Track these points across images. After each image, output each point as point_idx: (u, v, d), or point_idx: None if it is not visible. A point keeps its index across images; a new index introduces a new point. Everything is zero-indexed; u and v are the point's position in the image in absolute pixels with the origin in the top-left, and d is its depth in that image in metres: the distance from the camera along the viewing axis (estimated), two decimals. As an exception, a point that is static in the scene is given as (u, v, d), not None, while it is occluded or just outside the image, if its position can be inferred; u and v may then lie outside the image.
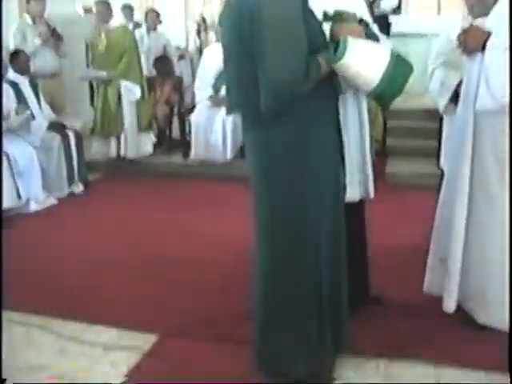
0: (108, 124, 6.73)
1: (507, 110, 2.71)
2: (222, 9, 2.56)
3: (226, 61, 2.48)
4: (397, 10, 9.08)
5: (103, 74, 6.69)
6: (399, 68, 2.42)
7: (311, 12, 2.37)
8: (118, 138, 6.78)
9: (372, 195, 2.96)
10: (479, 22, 2.94)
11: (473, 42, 2.79)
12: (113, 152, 6.85)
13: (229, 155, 6.45)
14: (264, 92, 2.22)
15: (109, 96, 6.69)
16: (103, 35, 6.68)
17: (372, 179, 2.97)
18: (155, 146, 7.14)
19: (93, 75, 6.90)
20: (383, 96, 2.40)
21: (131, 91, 6.72)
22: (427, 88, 3.42)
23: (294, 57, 2.22)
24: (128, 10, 8.50)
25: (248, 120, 2.44)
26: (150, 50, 7.88)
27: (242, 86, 2.36)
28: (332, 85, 2.42)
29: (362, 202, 2.99)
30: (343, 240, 2.51)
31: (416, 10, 9.90)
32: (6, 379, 2.07)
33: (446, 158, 3.40)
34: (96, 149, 6.88)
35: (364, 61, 2.32)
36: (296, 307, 2.45)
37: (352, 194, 2.73)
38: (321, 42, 2.35)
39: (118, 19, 8.21)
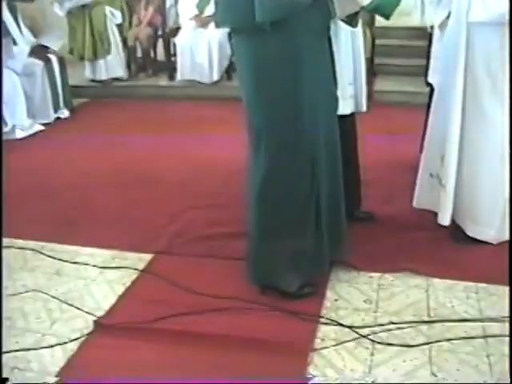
0: (95, 47, 6.71)
1: (504, 19, 2.64)
2: None
3: None
4: None
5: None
6: None
7: None
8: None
9: (364, 109, 2.97)
10: None
11: None
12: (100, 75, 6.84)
13: (215, 76, 6.37)
14: (265, 2, 2.16)
15: (95, 21, 6.68)
16: None
17: (365, 93, 2.97)
18: (140, 68, 7.04)
19: (78, 3, 6.74)
20: (382, 7, 2.33)
21: (114, 15, 6.81)
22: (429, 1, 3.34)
23: None
24: None
25: (240, 32, 2.37)
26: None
27: None
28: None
29: (353, 118, 2.99)
30: (338, 151, 2.51)
31: None
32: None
33: (436, 73, 3.35)
34: (87, 73, 6.90)
35: None
36: (293, 218, 2.46)
37: (343, 107, 2.73)
38: None
39: None
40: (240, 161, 2.75)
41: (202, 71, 6.37)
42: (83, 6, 6.68)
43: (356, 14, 2.57)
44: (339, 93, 2.59)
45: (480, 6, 2.66)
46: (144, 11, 7.10)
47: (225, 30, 6.09)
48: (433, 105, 3.06)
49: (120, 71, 6.95)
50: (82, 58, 6.84)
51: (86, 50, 6.73)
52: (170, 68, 6.76)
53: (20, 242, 3.23)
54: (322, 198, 2.46)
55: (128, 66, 7.09)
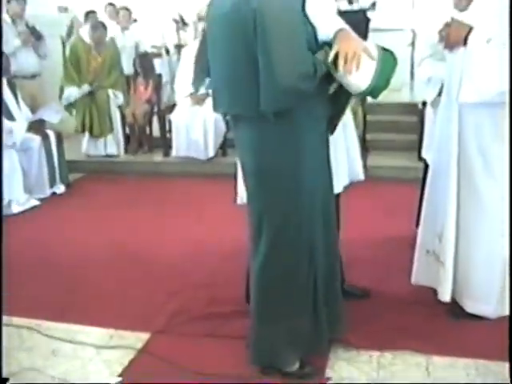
0: (101, 125, 6.94)
1: (494, 99, 2.74)
2: (209, 7, 2.52)
3: (214, 59, 2.47)
4: (371, 6, 9.16)
5: (88, 88, 6.96)
6: (385, 62, 2.46)
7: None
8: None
9: (362, 177, 3.06)
10: (459, 16, 2.99)
11: (455, 37, 2.82)
12: (100, 151, 7.04)
13: (210, 152, 6.47)
14: (270, 91, 2.23)
15: (99, 101, 6.95)
16: (96, 53, 7.01)
17: (360, 163, 3.06)
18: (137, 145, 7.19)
19: (83, 91, 6.99)
20: (372, 92, 2.44)
21: (117, 96, 7.08)
22: (419, 78, 3.47)
23: (302, 56, 2.25)
24: (111, 7, 8.51)
25: (242, 118, 2.44)
26: (125, 48, 7.87)
27: (237, 85, 2.35)
28: (324, 82, 2.45)
29: (337, 195, 3.06)
30: (335, 230, 2.57)
31: (390, 5, 9.99)
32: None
33: (429, 151, 3.45)
34: (87, 148, 7.06)
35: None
36: (291, 299, 2.49)
37: (337, 185, 2.81)
38: (314, 42, 2.36)
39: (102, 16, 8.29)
40: (237, 239, 2.79)
41: (197, 148, 6.48)
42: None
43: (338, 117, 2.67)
44: (333, 171, 2.66)
45: (469, 87, 2.76)
46: (143, 89, 7.27)
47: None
48: (428, 182, 3.14)
49: (118, 148, 7.09)
50: (84, 131, 7.01)
51: (92, 128, 6.95)
52: (165, 144, 6.86)
53: (15, 320, 3.20)
54: (319, 278, 2.50)
55: (125, 143, 7.20)
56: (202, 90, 6.42)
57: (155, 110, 7.32)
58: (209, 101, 6.47)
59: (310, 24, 2.36)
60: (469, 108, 2.83)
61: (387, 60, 2.44)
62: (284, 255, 2.45)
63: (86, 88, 6.94)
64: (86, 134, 7.00)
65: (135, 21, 8.53)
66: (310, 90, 2.27)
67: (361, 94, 2.47)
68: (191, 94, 6.59)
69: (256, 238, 2.49)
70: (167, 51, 9.42)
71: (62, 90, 7.07)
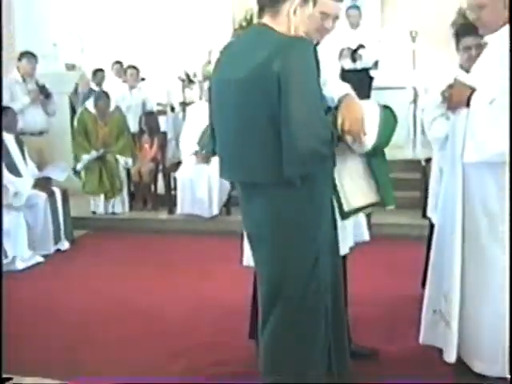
0: (112, 187, 7.07)
1: (498, 159, 2.79)
2: (216, 71, 2.58)
3: (223, 124, 2.51)
4: (374, 65, 9.40)
5: (97, 153, 7.13)
6: (386, 121, 2.56)
7: None
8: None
9: (367, 237, 3.12)
10: (462, 77, 3.09)
11: (457, 99, 2.91)
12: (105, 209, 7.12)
13: (215, 210, 6.53)
14: (295, 156, 2.28)
15: (108, 165, 7.10)
16: (102, 122, 7.24)
17: (365, 223, 3.11)
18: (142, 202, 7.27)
19: (92, 157, 7.15)
20: (374, 150, 2.51)
21: (126, 162, 7.28)
22: (431, 138, 3.55)
23: (322, 121, 2.33)
24: (118, 66, 8.71)
25: (256, 186, 2.45)
26: (131, 107, 8.06)
27: (254, 152, 2.37)
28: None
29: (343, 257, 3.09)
30: (342, 293, 2.61)
31: (392, 65, 10.25)
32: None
33: (434, 210, 3.49)
34: (93, 207, 7.14)
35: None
36: (307, 368, 2.48)
37: (344, 246, 2.84)
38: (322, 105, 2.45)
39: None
40: (241, 297, 2.79)
41: (201, 205, 6.54)
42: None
43: None
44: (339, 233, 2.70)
45: (473, 147, 2.82)
46: (148, 147, 7.39)
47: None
48: (433, 243, 3.18)
49: (123, 205, 7.16)
50: (94, 193, 7.11)
51: (101, 189, 7.06)
52: (170, 202, 6.93)
53: (18, 379, 3.18)
54: (331, 342, 2.52)
55: (130, 200, 7.27)
56: (208, 149, 6.62)
57: (160, 167, 7.42)
58: (214, 159, 6.57)
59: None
60: (473, 168, 2.89)
61: (388, 119, 2.54)
62: (301, 324, 2.45)
63: (94, 154, 7.10)
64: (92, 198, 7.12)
65: (143, 79, 8.71)
66: (329, 154, 2.36)
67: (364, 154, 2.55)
68: (196, 152, 6.72)
69: (268, 305, 2.49)
70: (172, 108, 9.61)
71: (76, 159, 7.21)
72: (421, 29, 10.39)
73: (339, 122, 2.42)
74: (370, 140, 2.49)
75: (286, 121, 2.26)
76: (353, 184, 2.65)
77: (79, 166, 7.13)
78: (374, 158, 2.66)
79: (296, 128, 2.25)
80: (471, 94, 2.86)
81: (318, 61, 2.36)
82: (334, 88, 2.56)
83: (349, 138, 2.49)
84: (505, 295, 2.86)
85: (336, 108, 2.50)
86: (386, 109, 2.64)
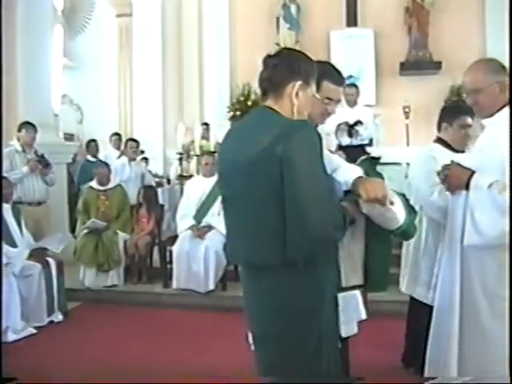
0: (108, 260, 7.13)
1: (498, 242, 2.88)
2: (221, 151, 2.67)
3: (229, 205, 2.58)
4: (369, 142, 9.63)
5: (103, 224, 7.30)
6: (408, 208, 2.68)
7: None
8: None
9: (364, 316, 3.22)
10: (458, 157, 3.22)
11: (456, 182, 3.04)
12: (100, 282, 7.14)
13: (211, 285, 6.59)
14: (300, 239, 2.32)
15: (106, 239, 7.19)
16: (104, 197, 7.45)
17: (361, 301, 3.21)
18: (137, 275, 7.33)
19: (97, 226, 7.29)
20: (406, 233, 2.62)
21: (125, 237, 7.41)
22: (437, 204, 3.62)
23: (333, 206, 2.41)
24: (117, 138, 8.92)
25: (261, 267, 2.47)
26: (130, 179, 8.25)
27: (258, 233, 2.41)
28: None
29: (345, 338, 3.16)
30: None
31: (387, 142, 10.52)
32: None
33: (434, 292, 3.54)
34: (88, 281, 7.14)
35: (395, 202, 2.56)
36: None
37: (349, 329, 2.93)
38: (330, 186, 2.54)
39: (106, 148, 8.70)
40: (234, 372, 2.80)
41: (197, 280, 6.60)
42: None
43: None
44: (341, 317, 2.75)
45: (473, 231, 2.92)
46: (145, 221, 7.54)
47: (220, 239, 6.47)
48: (432, 325, 3.24)
49: (118, 278, 7.21)
50: (86, 263, 7.13)
51: (94, 260, 7.11)
52: (165, 276, 7.00)
53: None
54: None
55: (125, 273, 7.33)
56: (204, 223, 6.77)
57: (156, 240, 7.52)
58: (210, 234, 6.72)
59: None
60: (472, 250, 2.98)
61: (408, 206, 2.67)
62: None
63: (98, 222, 7.24)
64: (84, 267, 7.14)
65: (142, 152, 8.92)
66: (341, 238, 2.44)
67: (398, 230, 2.60)
68: (193, 227, 6.85)
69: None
70: (168, 181, 9.81)
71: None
72: (414, 105, 10.79)
73: (363, 194, 2.47)
74: (401, 213, 2.57)
75: (293, 203, 2.30)
76: (353, 263, 2.70)
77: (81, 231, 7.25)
78: (377, 241, 2.70)
79: (307, 210, 2.29)
80: (470, 176, 2.98)
81: (321, 143, 2.43)
82: (346, 172, 2.64)
83: (376, 213, 2.54)
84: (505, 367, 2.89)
85: (350, 191, 2.57)
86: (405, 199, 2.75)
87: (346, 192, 2.61)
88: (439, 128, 4.10)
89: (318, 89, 2.71)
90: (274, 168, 2.32)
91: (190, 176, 8.43)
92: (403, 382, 2.75)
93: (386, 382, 2.70)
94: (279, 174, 2.31)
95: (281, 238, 2.34)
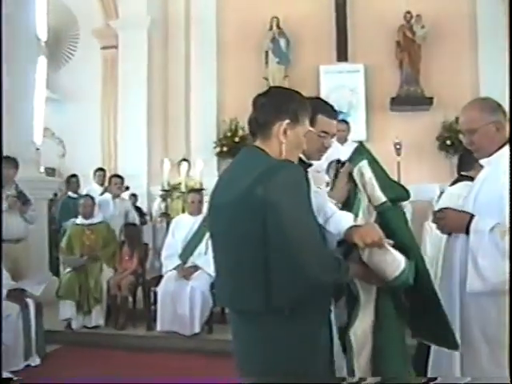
0: (89, 298, 7.09)
1: (501, 288, 2.87)
2: (212, 194, 2.65)
3: (216, 248, 2.59)
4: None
5: (84, 259, 7.26)
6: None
7: None
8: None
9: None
10: (455, 191, 3.26)
11: (454, 225, 3.06)
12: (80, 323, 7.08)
13: (196, 328, 6.54)
14: (285, 285, 2.30)
15: (91, 275, 7.17)
16: (89, 232, 7.43)
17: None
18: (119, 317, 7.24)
19: (79, 263, 7.27)
20: (408, 278, 2.59)
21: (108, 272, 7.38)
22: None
23: (318, 247, 2.38)
24: (101, 173, 8.93)
25: (245, 315, 2.47)
26: (114, 217, 8.21)
27: (242, 277, 2.41)
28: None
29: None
30: None
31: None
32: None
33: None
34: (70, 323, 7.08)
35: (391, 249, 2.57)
36: None
37: None
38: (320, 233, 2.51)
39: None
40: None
41: (182, 322, 6.54)
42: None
43: None
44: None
45: (476, 277, 2.92)
46: (128, 260, 7.50)
47: (206, 279, 6.47)
48: (429, 370, 3.25)
49: (100, 320, 7.14)
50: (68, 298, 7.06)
51: (76, 297, 7.05)
52: (149, 318, 6.94)
53: None
54: None
55: (107, 314, 7.26)
56: (190, 263, 6.75)
57: (140, 280, 7.46)
58: (196, 274, 6.69)
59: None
60: (472, 296, 2.97)
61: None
62: None
63: (81, 260, 7.22)
64: (67, 304, 7.05)
65: (127, 188, 8.92)
66: (330, 281, 2.40)
67: (403, 275, 2.58)
68: (178, 267, 6.83)
69: None
70: (151, 218, 9.80)
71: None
72: (406, 142, 10.90)
73: (359, 242, 2.49)
74: (398, 255, 2.56)
75: (277, 247, 2.30)
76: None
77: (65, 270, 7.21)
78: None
79: (291, 254, 2.27)
80: (470, 220, 2.98)
81: (309, 185, 2.46)
82: (338, 221, 2.64)
83: (377, 259, 2.54)
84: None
85: (343, 241, 2.59)
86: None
87: (340, 242, 2.61)
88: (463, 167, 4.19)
89: (313, 123, 2.75)
90: (255, 210, 2.34)
91: (167, 214, 8.45)
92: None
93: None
94: (260, 217, 2.32)
95: (265, 283, 2.33)
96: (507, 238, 2.86)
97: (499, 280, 2.87)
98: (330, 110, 2.97)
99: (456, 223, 3.04)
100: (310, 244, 2.34)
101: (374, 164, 2.91)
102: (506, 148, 3.10)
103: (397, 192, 2.88)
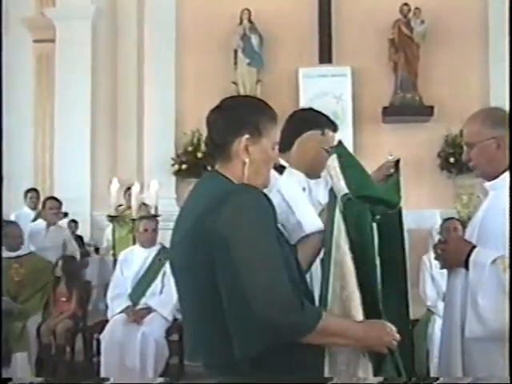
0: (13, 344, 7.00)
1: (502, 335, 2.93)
2: (175, 224, 2.68)
3: (179, 293, 2.65)
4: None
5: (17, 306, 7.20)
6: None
7: (282, 234, 2.65)
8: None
9: None
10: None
11: (454, 258, 3.14)
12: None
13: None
14: (244, 332, 2.32)
15: (16, 323, 7.08)
16: (17, 265, 7.39)
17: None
18: (52, 369, 7.21)
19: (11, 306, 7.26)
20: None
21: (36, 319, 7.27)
22: None
23: (281, 286, 2.34)
24: (34, 194, 8.88)
25: (213, 367, 2.53)
26: (46, 248, 8.13)
27: (200, 327, 2.49)
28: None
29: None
30: None
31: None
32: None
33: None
34: None
35: None
36: None
37: None
38: (296, 272, 2.55)
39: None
40: None
41: (131, 376, 6.51)
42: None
43: None
44: None
45: (475, 319, 3.00)
46: (65, 301, 7.49)
47: (161, 324, 6.49)
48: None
49: (29, 372, 7.09)
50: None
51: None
52: (90, 371, 6.92)
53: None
54: None
55: (37, 366, 7.24)
56: (142, 305, 6.76)
57: (80, 326, 7.45)
58: (149, 317, 6.71)
59: (287, 242, 2.67)
60: (475, 342, 3.05)
61: None
62: None
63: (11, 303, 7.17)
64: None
65: (65, 214, 8.86)
66: (288, 324, 2.32)
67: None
68: (127, 309, 6.84)
69: None
70: (96, 250, 9.75)
71: None
72: (401, 159, 11.00)
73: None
74: None
75: (228, 292, 2.33)
76: None
77: None
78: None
79: (245, 299, 2.29)
80: (470, 251, 3.05)
81: (274, 211, 2.45)
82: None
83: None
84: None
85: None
86: None
87: None
88: None
89: (324, 139, 3.09)
90: (203, 247, 2.38)
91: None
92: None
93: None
94: (209, 255, 2.36)
95: (225, 333, 2.35)
96: (507, 274, 2.93)
97: (500, 325, 2.93)
98: (332, 122, 3.33)
99: (456, 255, 3.12)
100: (266, 283, 2.32)
101: (350, 159, 3.01)
102: (506, 175, 3.17)
103: (368, 190, 2.93)
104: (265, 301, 2.29)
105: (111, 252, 8.65)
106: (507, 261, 2.96)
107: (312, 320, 2.37)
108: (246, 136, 2.54)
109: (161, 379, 6.42)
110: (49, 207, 8.54)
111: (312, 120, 3.66)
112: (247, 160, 2.54)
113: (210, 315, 2.42)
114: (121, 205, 9.03)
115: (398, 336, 2.55)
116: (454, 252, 3.14)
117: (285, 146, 3.39)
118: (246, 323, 2.32)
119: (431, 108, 11.55)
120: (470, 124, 3.31)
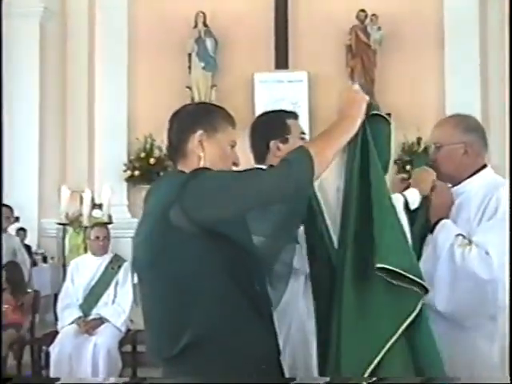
0: None
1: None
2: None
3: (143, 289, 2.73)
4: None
5: None
6: None
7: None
8: None
9: None
10: None
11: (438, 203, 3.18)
12: None
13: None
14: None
15: None
16: None
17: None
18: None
19: None
20: None
21: None
22: None
23: (264, 177, 2.56)
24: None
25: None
26: (-4, 257, 8.02)
27: (170, 320, 2.57)
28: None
29: None
30: None
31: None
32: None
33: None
34: None
35: None
36: None
37: None
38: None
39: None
40: None
41: None
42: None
43: None
44: None
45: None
46: (10, 311, 7.34)
47: (114, 335, 6.45)
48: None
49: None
50: None
51: None
52: (38, 384, 6.83)
53: None
54: None
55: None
56: (94, 315, 6.70)
57: (27, 338, 7.35)
58: (101, 328, 6.66)
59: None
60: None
61: None
62: None
63: None
64: None
65: (17, 219, 8.71)
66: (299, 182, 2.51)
67: None
68: (79, 319, 6.79)
69: None
70: (44, 258, 9.66)
71: None
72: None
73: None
74: None
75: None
76: None
77: None
78: None
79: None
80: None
81: None
82: None
83: None
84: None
85: None
86: None
87: None
88: None
89: (289, 130, 3.25)
90: (173, 237, 2.49)
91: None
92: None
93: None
94: (182, 242, 2.48)
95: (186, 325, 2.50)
96: (469, 255, 2.98)
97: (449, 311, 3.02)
98: (293, 113, 3.55)
99: (441, 202, 3.18)
100: (258, 186, 2.50)
101: None
102: (476, 178, 3.24)
103: None
104: (274, 189, 2.47)
105: (61, 261, 8.56)
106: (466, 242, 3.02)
107: (307, 165, 2.51)
108: (200, 132, 2.65)
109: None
110: (-1, 213, 8.39)
111: (275, 126, 3.61)
112: (202, 154, 2.63)
113: (177, 309, 2.51)
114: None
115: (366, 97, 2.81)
116: (441, 200, 3.19)
117: (259, 157, 3.47)
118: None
119: (388, 115, 11.54)
120: (442, 125, 3.41)
